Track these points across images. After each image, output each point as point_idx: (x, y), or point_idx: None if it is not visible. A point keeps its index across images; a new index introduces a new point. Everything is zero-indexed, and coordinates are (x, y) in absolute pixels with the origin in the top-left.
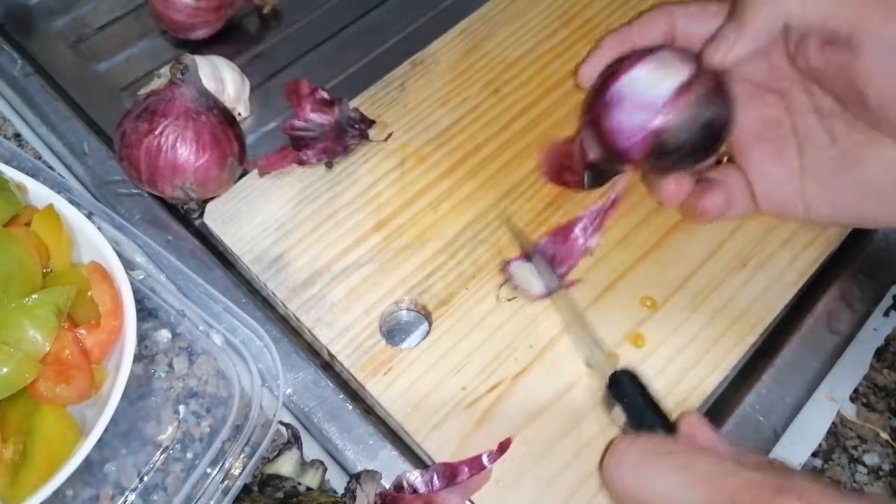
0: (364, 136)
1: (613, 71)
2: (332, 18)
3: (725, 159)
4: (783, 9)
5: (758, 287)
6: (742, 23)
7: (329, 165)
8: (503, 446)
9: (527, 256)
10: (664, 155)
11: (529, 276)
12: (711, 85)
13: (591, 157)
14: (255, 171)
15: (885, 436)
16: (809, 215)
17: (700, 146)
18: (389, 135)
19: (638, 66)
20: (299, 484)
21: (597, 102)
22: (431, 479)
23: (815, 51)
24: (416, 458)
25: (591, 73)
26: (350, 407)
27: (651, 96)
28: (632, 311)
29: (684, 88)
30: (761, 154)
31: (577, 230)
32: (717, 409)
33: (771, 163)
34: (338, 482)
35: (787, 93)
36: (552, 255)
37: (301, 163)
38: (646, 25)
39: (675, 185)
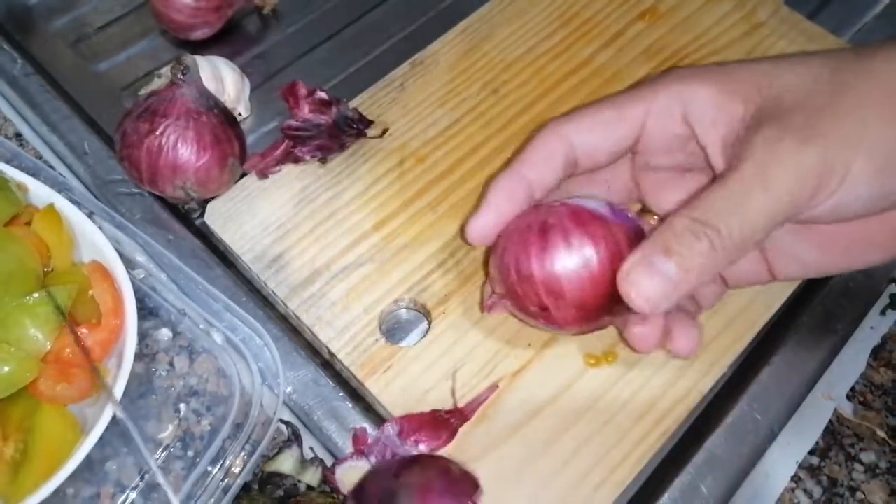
0: (361, 134)
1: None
2: (333, 19)
3: None
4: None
5: (754, 288)
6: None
7: (323, 161)
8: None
9: None
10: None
11: None
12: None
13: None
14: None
15: (881, 434)
16: (776, 278)
17: None
18: (385, 130)
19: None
20: (299, 482)
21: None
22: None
23: None
24: None
25: (484, 231)
26: (350, 405)
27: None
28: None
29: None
30: None
31: None
32: (714, 407)
33: None
34: None
35: (707, 169)
36: None
37: (296, 160)
38: (539, 159)
39: (647, 327)
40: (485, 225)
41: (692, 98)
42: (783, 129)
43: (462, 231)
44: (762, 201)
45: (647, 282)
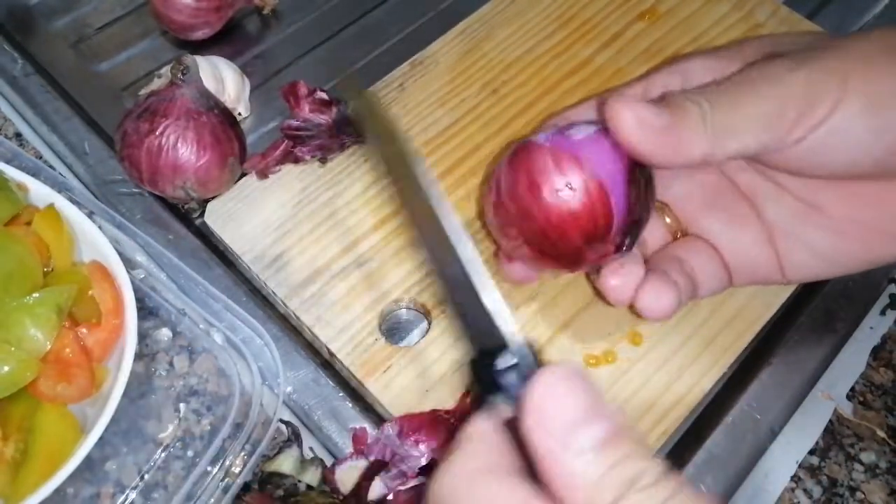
0: (361, 135)
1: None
2: (332, 19)
3: (680, 235)
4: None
5: (754, 287)
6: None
7: (323, 161)
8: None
9: None
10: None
11: None
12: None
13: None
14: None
15: (881, 434)
16: (786, 276)
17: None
18: None
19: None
20: (299, 482)
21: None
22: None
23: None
24: None
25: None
26: (350, 405)
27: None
28: (628, 310)
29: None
30: (719, 222)
31: None
32: (714, 406)
33: (732, 229)
34: None
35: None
36: None
37: (296, 160)
38: None
39: (620, 278)
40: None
41: (688, 68)
42: (775, 58)
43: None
44: (752, 104)
45: (628, 113)
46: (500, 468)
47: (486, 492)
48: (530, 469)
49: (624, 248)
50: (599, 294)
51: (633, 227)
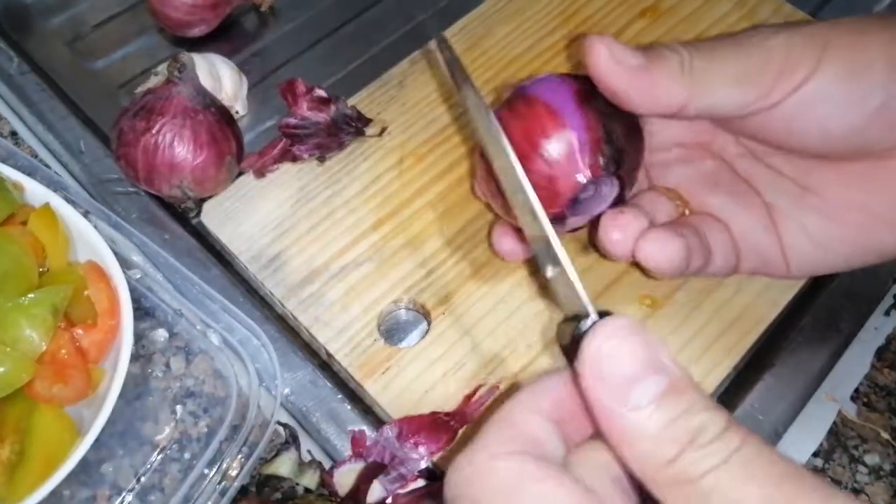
0: (360, 133)
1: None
2: (331, 16)
3: (687, 212)
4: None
5: (758, 286)
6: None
7: (322, 160)
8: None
9: None
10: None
11: None
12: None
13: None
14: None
15: (885, 435)
16: (789, 265)
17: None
18: (384, 128)
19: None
20: (297, 484)
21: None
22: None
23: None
24: None
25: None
26: (348, 406)
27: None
28: (632, 310)
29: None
30: (722, 202)
31: None
32: None
33: (738, 209)
34: None
35: (712, 144)
36: None
37: (294, 159)
38: None
39: (620, 229)
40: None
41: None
42: (758, 27)
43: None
44: (732, 60)
45: (603, 48)
46: (527, 454)
47: (503, 480)
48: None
49: (602, 174)
50: (603, 255)
51: (611, 151)
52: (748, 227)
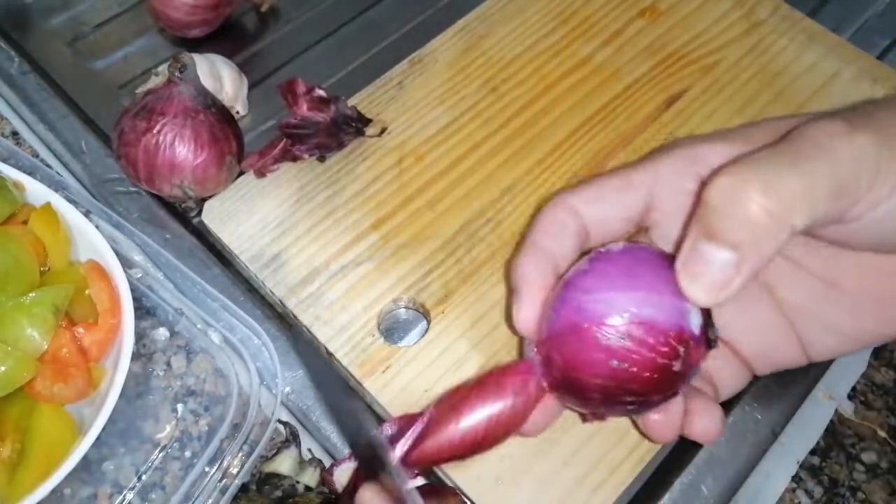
0: (359, 133)
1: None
2: (331, 16)
3: None
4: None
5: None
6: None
7: (322, 160)
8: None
9: None
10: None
11: None
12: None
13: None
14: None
15: (882, 434)
16: (810, 355)
17: None
18: (384, 128)
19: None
20: (297, 482)
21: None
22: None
23: None
24: None
25: (532, 324)
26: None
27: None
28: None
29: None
30: (731, 311)
31: None
32: None
33: (745, 316)
34: None
35: None
36: None
37: (294, 158)
38: (553, 231)
39: (662, 412)
40: (530, 318)
41: (706, 154)
42: (829, 118)
43: (509, 322)
44: (822, 169)
45: (702, 270)
46: None
47: None
48: None
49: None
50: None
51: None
52: (760, 333)
